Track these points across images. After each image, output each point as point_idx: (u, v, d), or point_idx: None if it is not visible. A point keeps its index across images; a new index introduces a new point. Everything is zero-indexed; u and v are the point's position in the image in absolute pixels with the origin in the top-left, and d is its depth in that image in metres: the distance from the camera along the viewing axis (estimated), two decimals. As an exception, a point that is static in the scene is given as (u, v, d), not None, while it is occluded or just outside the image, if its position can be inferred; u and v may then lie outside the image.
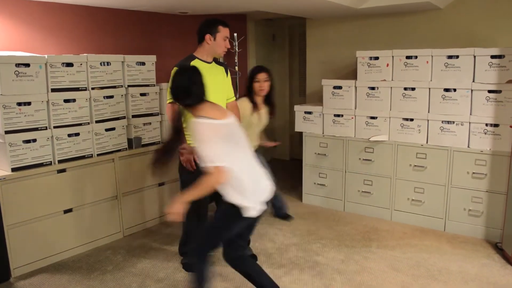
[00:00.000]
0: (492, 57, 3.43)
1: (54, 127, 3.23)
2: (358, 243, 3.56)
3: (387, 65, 3.92)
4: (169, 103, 2.90)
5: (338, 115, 4.23)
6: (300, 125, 4.48)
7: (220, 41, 2.88)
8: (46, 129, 3.19)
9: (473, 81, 3.55)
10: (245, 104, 3.50)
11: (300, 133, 4.55)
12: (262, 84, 3.47)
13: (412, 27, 4.45)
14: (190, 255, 2.38)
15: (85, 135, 3.42)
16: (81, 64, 3.36)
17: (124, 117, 3.69)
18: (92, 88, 3.45)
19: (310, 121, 4.40)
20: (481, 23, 4.06)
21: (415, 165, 3.83)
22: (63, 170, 3.28)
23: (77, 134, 3.36)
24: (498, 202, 3.47)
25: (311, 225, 3.96)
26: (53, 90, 3.20)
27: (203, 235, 2.40)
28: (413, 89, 3.80)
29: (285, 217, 4.07)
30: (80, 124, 3.39)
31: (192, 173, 2.77)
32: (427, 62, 3.73)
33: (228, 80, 3.11)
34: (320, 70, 5.17)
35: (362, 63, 4.06)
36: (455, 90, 3.61)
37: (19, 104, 3.02)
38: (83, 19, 3.93)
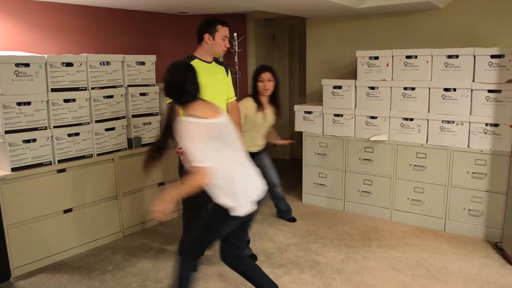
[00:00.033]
0: (492, 56, 3.43)
1: (54, 127, 3.23)
2: (358, 243, 3.56)
3: (387, 64, 3.92)
4: (169, 103, 2.89)
5: (338, 115, 4.23)
6: (300, 125, 4.48)
7: (219, 40, 2.88)
8: (46, 129, 3.19)
9: (473, 80, 3.54)
10: (248, 104, 3.50)
11: (300, 133, 4.55)
12: (265, 84, 3.47)
13: (412, 27, 4.45)
14: (178, 255, 2.35)
15: (85, 135, 3.42)
16: (81, 64, 3.36)
17: (124, 117, 3.70)
18: (92, 88, 3.45)
19: (310, 121, 4.40)
20: (481, 23, 4.06)
21: (415, 165, 3.83)
22: (63, 170, 3.28)
23: (77, 134, 3.36)
24: (498, 201, 3.47)
25: (311, 225, 3.96)
26: (53, 90, 3.20)
27: (191, 236, 2.37)
28: (413, 88, 3.80)
29: (290, 220, 4.06)
30: (80, 124, 3.39)
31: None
32: (427, 61, 3.73)
33: (228, 80, 3.11)
34: (320, 69, 5.17)
35: (362, 62, 4.06)
36: (455, 89, 3.61)
37: (19, 104, 3.02)
38: (83, 19, 3.93)
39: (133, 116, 3.74)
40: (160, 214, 2.15)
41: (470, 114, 3.57)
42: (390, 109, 3.95)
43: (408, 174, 3.88)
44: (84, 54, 3.45)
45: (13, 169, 3.02)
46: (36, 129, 3.13)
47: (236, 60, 4.99)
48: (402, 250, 3.41)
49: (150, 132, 3.90)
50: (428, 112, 3.76)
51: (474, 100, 3.55)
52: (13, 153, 3.02)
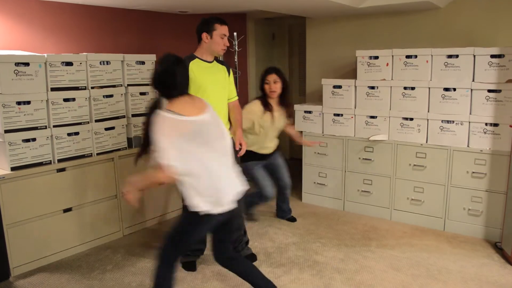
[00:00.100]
0: (492, 56, 3.43)
1: (54, 126, 3.23)
2: (357, 243, 3.56)
3: (387, 64, 3.92)
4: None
5: (337, 115, 4.23)
6: (299, 125, 4.47)
7: (217, 39, 2.87)
8: (46, 128, 3.19)
9: (473, 80, 3.54)
10: (255, 107, 3.50)
11: (300, 132, 4.55)
12: (271, 86, 3.47)
13: (412, 26, 4.45)
14: (156, 260, 2.32)
15: (85, 134, 3.42)
16: (80, 63, 3.36)
17: (123, 116, 3.69)
18: (92, 87, 3.45)
19: (310, 120, 4.40)
20: (481, 23, 4.06)
21: (415, 165, 3.83)
22: (62, 169, 3.28)
23: (76, 133, 3.36)
24: (497, 201, 3.47)
25: (311, 224, 3.96)
26: (53, 89, 3.20)
27: (166, 240, 2.33)
28: (412, 88, 3.80)
29: (289, 219, 4.06)
30: (79, 123, 3.38)
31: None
32: (427, 61, 3.73)
33: (230, 79, 3.10)
34: (319, 69, 5.17)
35: (362, 62, 4.06)
36: (454, 89, 3.61)
37: (18, 103, 3.02)
38: (83, 18, 3.93)
39: (133, 115, 3.74)
40: (129, 200, 2.17)
41: (470, 113, 3.58)
42: (390, 109, 3.95)
43: (408, 174, 3.88)
44: (84, 53, 3.45)
45: (12, 169, 3.02)
46: (35, 128, 3.13)
47: (236, 60, 4.99)
48: (401, 250, 3.41)
49: (150, 132, 3.89)
50: (428, 111, 3.76)
51: (474, 100, 3.55)
52: (13, 152, 3.02)
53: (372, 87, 4.01)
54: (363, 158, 4.11)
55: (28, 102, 3.07)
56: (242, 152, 3.09)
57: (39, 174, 3.15)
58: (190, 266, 3.14)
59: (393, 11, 4.47)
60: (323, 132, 4.32)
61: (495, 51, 3.42)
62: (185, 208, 2.23)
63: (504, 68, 3.40)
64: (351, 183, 4.22)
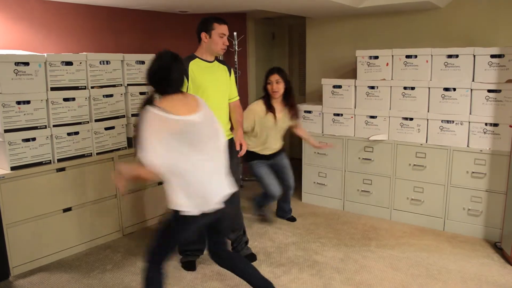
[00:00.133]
0: (492, 56, 3.43)
1: (54, 125, 3.23)
2: (357, 242, 3.56)
3: (387, 64, 3.92)
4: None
5: (337, 114, 4.23)
6: (299, 124, 4.47)
7: (216, 38, 2.86)
8: (46, 127, 3.19)
9: (473, 80, 3.54)
10: (257, 107, 3.50)
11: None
12: (273, 86, 3.45)
13: (412, 26, 4.45)
14: (144, 262, 2.31)
15: (85, 134, 3.42)
16: (80, 63, 3.36)
17: (123, 116, 3.69)
18: (92, 87, 3.44)
19: (309, 120, 4.40)
20: (481, 23, 4.06)
21: (415, 165, 3.83)
22: (62, 169, 3.28)
23: (76, 133, 3.36)
24: (497, 201, 3.47)
25: (311, 224, 3.96)
26: (53, 88, 3.20)
27: (153, 242, 2.31)
28: (412, 88, 3.80)
29: (289, 219, 4.05)
30: (79, 123, 3.38)
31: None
32: (427, 61, 3.73)
33: (231, 79, 3.10)
34: (319, 69, 5.17)
35: (361, 62, 4.06)
36: (454, 89, 3.61)
37: (18, 102, 3.02)
38: (83, 17, 3.93)
39: (133, 115, 3.74)
40: (117, 185, 2.17)
41: (470, 113, 3.58)
42: (390, 109, 3.95)
43: (408, 174, 3.88)
44: (84, 53, 3.45)
45: (12, 168, 3.02)
46: (35, 128, 3.13)
47: (236, 59, 4.99)
48: (401, 250, 3.41)
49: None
50: (428, 111, 3.76)
51: (474, 100, 3.55)
52: (13, 152, 3.02)
53: (372, 87, 4.01)
54: (363, 158, 4.11)
55: (28, 102, 3.07)
56: (242, 153, 3.08)
57: (39, 174, 3.15)
58: (190, 266, 3.14)
59: (393, 11, 4.47)
60: (323, 132, 4.32)
61: (495, 51, 3.42)
62: (168, 208, 2.22)
63: (504, 68, 3.40)
64: (351, 183, 4.22)
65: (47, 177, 3.19)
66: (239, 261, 2.49)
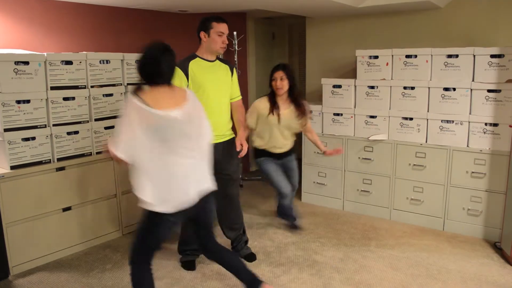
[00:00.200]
0: (492, 56, 3.43)
1: (53, 125, 3.23)
2: (357, 242, 3.56)
3: (387, 64, 3.92)
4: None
5: (337, 114, 4.23)
6: (299, 124, 4.47)
7: (214, 37, 2.86)
8: (45, 127, 3.18)
9: (473, 80, 3.54)
10: (260, 103, 3.46)
11: (300, 132, 4.54)
12: (277, 83, 3.38)
13: (412, 26, 4.45)
14: (129, 265, 2.30)
15: (84, 133, 3.42)
16: (80, 62, 3.35)
17: (123, 115, 3.69)
18: (92, 86, 3.44)
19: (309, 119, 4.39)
20: (481, 23, 4.06)
21: (414, 164, 3.83)
22: (62, 168, 3.28)
23: (76, 132, 3.36)
24: (497, 201, 3.47)
25: (310, 224, 3.96)
26: (52, 88, 3.20)
27: (133, 243, 2.29)
28: (412, 88, 3.80)
29: (292, 227, 3.99)
30: (79, 122, 3.38)
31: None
32: (427, 61, 3.73)
33: (233, 79, 3.09)
34: (319, 68, 5.17)
35: (361, 62, 4.06)
36: (454, 89, 3.61)
37: (18, 102, 3.01)
38: (83, 17, 3.92)
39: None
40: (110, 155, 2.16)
41: (470, 113, 3.58)
42: (390, 109, 3.95)
43: (408, 174, 3.88)
44: (84, 52, 3.44)
45: (12, 167, 3.02)
46: (35, 127, 3.13)
47: (236, 59, 4.99)
48: (401, 250, 3.41)
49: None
50: (428, 111, 3.76)
51: (474, 100, 3.55)
52: (12, 151, 3.02)
53: (372, 87, 4.01)
54: (363, 158, 4.11)
55: (28, 101, 3.07)
56: (243, 153, 3.07)
57: (39, 173, 3.14)
58: (190, 265, 3.14)
59: (393, 11, 4.47)
60: (322, 132, 4.32)
61: (495, 51, 3.42)
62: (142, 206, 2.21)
63: (504, 68, 3.40)
64: (351, 182, 4.22)
65: (46, 177, 3.19)
66: (227, 254, 2.48)
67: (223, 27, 2.87)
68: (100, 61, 3.48)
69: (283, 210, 3.75)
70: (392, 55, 3.88)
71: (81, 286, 2.91)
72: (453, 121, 3.63)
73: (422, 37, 4.38)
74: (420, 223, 3.88)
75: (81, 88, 3.37)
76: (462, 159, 3.60)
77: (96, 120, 3.48)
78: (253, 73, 5.76)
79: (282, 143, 3.53)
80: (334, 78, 4.40)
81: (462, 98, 3.58)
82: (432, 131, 3.75)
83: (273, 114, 3.40)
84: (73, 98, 3.33)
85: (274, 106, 3.42)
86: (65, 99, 3.28)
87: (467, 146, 3.60)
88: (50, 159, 3.22)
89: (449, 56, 3.62)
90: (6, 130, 2.97)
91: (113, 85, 3.59)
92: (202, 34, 2.88)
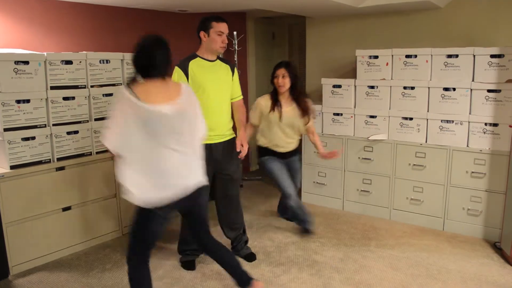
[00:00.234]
0: (492, 56, 3.43)
1: (53, 124, 3.22)
2: (357, 242, 3.56)
3: (387, 64, 3.92)
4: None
5: (337, 114, 4.23)
6: (299, 124, 4.47)
7: (214, 36, 2.86)
8: (45, 126, 3.18)
9: (473, 80, 3.54)
10: (262, 100, 3.44)
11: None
12: (279, 80, 3.35)
13: (412, 26, 4.45)
14: (126, 264, 2.31)
15: (84, 133, 3.41)
16: (80, 62, 3.35)
17: (123, 115, 3.69)
18: (91, 86, 3.44)
19: (309, 119, 4.39)
20: (481, 23, 4.06)
21: (414, 164, 3.83)
22: (62, 168, 3.28)
23: (76, 132, 3.36)
24: (497, 201, 3.47)
25: (310, 223, 3.96)
26: (52, 87, 3.20)
27: (129, 241, 2.30)
28: (412, 88, 3.80)
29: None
30: (79, 122, 3.38)
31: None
32: (427, 61, 3.73)
33: (234, 78, 3.08)
34: (319, 68, 5.16)
35: (361, 62, 4.06)
36: (454, 89, 3.61)
37: (18, 101, 3.01)
38: (83, 16, 3.92)
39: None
40: None
41: (470, 113, 3.58)
42: (390, 108, 3.95)
43: (407, 174, 3.88)
44: (84, 52, 3.44)
45: (12, 167, 3.02)
46: (35, 126, 3.12)
47: (235, 59, 4.99)
48: (401, 250, 3.41)
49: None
50: (428, 111, 3.76)
51: (474, 100, 3.55)
52: (12, 150, 3.01)
53: (372, 87, 4.01)
54: (363, 158, 4.11)
55: (28, 101, 3.06)
56: (243, 154, 3.07)
57: (39, 173, 3.14)
58: (189, 265, 3.14)
59: (393, 11, 4.47)
60: (322, 132, 4.32)
61: (495, 51, 3.42)
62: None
63: (503, 68, 3.40)
64: (351, 182, 4.22)
65: (46, 176, 3.19)
66: (222, 250, 2.48)
67: (222, 27, 2.86)
68: (100, 61, 3.48)
69: (291, 212, 3.66)
70: (392, 55, 3.88)
71: (81, 286, 2.91)
72: (453, 121, 3.63)
73: (422, 37, 4.38)
74: (420, 223, 3.88)
75: (81, 87, 3.37)
76: (462, 159, 3.60)
77: (96, 119, 3.48)
78: (253, 73, 5.76)
79: (285, 142, 3.50)
80: (334, 78, 4.39)
81: (462, 98, 3.58)
82: (432, 131, 3.75)
83: (274, 111, 3.38)
84: (73, 98, 3.33)
85: (276, 103, 3.40)
86: (65, 98, 3.28)
87: (467, 146, 3.60)
88: (50, 159, 3.22)
89: (449, 56, 3.62)
90: (6, 129, 2.97)
91: (113, 84, 3.59)
92: (201, 33, 2.88)
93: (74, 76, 3.32)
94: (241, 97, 3.17)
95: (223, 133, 2.99)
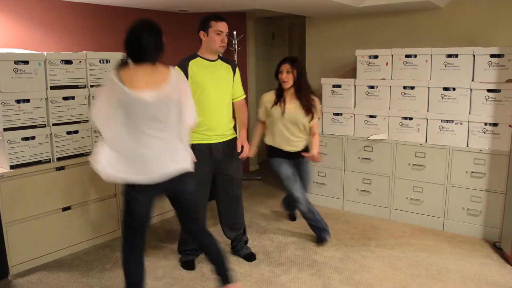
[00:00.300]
0: (492, 56, 3.43)
1: (53, 124, 3.23)
2: (356, 242, 3.56)
3: (387, 63, 3.92)
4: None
5: (337, 114, 4.23)
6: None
7: (213, 36, 2.85)
8: (45, 126, 3.18)
9: (473, 80, 3.55)
10: (267, 96, 3.40)
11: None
12: (283, 76, 3.28)
13: (412, 26, 4.45)
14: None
15: (84, 133, 3.41)
16: (80, 62, 3.35)
17: (123, 115, 3.69)
18: (91, 86, 3.44)
19: (309, 119, 4.39)
20: (481, 22, 4.06)
21: (414, 164, 3.83)
22: (62, 168, 3.28)
23: (76, 132, 3.36)
24: (496, 201, 3.47)
25: (310, 223, 3.96)
26: (52, 87, 3.20)
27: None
28: (412, 88, 3.80)
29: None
30: (79, 122, 3.38)
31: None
32: (427, 61, 3.73)
33: (235, 78, 3.07)
34: (319, 68, 5.16)
35: (361, 61, 4.06)
36: (454, 89, 3.61)
37: (18, 101, 3.01)
38: (83, 16, 3.92)
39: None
40: None
41: (469, 113, 3.58)
42: (390, 108, 3.95)
43: (407, 173, 3.88)
44: (84, 51, 3.44)
45: (11, 167, 3.02)
46: (35, 126, 3.13)
47: (235, 59, 4.99)
48: (401, 250, 3.41)
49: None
50: (428, 111, 3.76)
51: (474, 100, 3.55)
52: (12, 150, 3.01)
53: (372, 87, 4.01)
54: (363, 158, 4.11)
55: (28, 101, 3.06)
56: (243, 155, 3.06)
57: (38, 173, 3.14)
58: (189, 265, 3.14)
59: (393, 11, 4.47)
60: (322, 132, 4.32)
61: (494, 50, 3.42)
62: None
63: (503, 68, 3.40)
64: (350, 182, 4.22)
65: (46, 176, 3.19)
66: (209, 243, 2.48)
67: (221, 26, 2.86)
68: (99, 61, 3.48)
69: (304, 218, 3.54)
70: (392, 55, 3.88)
71: (81, 286, 2.91)
72: (452, 121, 3.63)
73: (422, 37, 4.38)
74: (420, 223, 3.88)
75: (81, 87, 3.37)
76: (462, 159, 3.60)
77: (95, 119, 3.48)
78: (253, 73, 5.76)
79: (289, 140, 3.37)
80: (334, 78, 4.39)
81: (462, 98, 3.58)
82: (431, 131, 3.75)
83: (276, 107, 3.31)
84: (73, 98, 3.33)
85: (279, 99, 3.33)
86: (65, 98, 3.28)
87: (467, 146, 3.60)
88: (49, 159, 3.22)
89: (449, 56, 3.62)
90: (5, 129, 2.97)
91: (113, 84, 3.58)
92: (201, 33, 2.88)
93: (74, 76, 3.32)
94: (243, 96, 3.15)
95: (223, 133, 2.99)
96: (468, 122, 3.57)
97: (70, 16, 3.84)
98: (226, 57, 3.19)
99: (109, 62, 3.54)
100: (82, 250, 3.43)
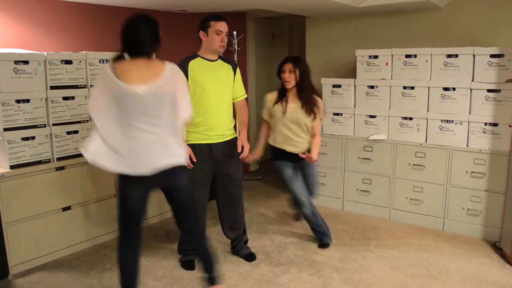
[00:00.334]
0: (492, 56, 3.43)
1: (53, 124, 3.23)
2: (356, 242, 3.56)
3: (387, 63, 3.92)
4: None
5: (337, 114, 4.23)
6: (299, 124, 4.47)
7: (212, 35, 2.85)
8: (45, 126, 3.18)
9: (473, 80, 3.54)
10: (270, 95, 3.38)
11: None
12: (285, 75, 3.23)
13: (412, 26, 4.45)
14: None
15: (84, 133, 3.41)
16: (80, 62, 3.35)
17: (123, 115, 3.68)
18: (91, 86, 3.44)
19: (309, 119, 4.39)
20: (481, 22, 4.06)
21: (414, 164, 3.83)
22: (61, 168, 3.28)
23: (76, 132, 3.36)
24: (496, 201, 3.47)
25: (310, 223, 3.96)
26: (52, 87, 3.20)
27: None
28: (412, 88, 3.80)
29: (322, 244, 3.62)
30: (79, 122, 3.38)
31: (190, 170, 2.77)
32: (427, 61, 3.73)
33: (236, 78, 3.07)
34: (319, 68, 5.16)
35: (361, 61, 4.06)
36: (454, 89, 3.61)
37: (18, 101, 3.01)
38: (83, 16, 3.92)
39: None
40: None
41: (469, 113, 3.58)
42: (390, 108, 3.95)
43: (407, 173, 3.88)
44: (83, 51, 3.44)
45: (11, 167, 3.02)
46: (35, 126, 3.13)
47: (235, 58, 4.99)
48: (401, 250, 3.41)
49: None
50: (428, 111, 3.76)
51: (474, 100, 3.55)
52: (12, 150, 3.02)
53: (372, 87, 4.01)
54: (363, 158, 4.11)
55: (28, 101, 3.06)
56: (244, 155, 3.06)
57: (38, 173, 3.14)
58: (189, 265, 3.14)
59: (393, 11, 4.47)
60: (322, 132, 4.32)
61: (494, 50, 3.42)
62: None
63: (503, 68, 3.40)
64: (350, 182, 4.22)
65: (46, 176, 3.19)
66: (202, 242, 2.49)
67: (221, 26, 2.85)
68: (99, 61, 3.48)
69: (306, 221, 3.52)
70: (392, 55, 3.88)
71: (81, 286, 2.91)
72: (452, 121, 3.63)
73: (422, 37, 4.38)
74: (420, 223, 3.88)
75: (80, 87, 3.37)
76: (462, 159, 3.60)
77: (95, 119, 3.48)
78: (253, 73, 5.76)
79: (292, 140, 3.30)
80: (334, 78, 4.40)
81: (462, 98, 3.58)
82: (431, 131, 3.75)
83: (278, 106, 3.27)
84: (73, 98, 3.33)
85: (281, 98, 3.29)
86: (65, 98, 3.28)
87: (467, 146, 3.60)
88: (49, 159, 3.22)
89: (449, 56, 3.62)
90: (5, 129, 2.97)
91: (113, 84, 3.58)
92: (201, 33, 2.88)
93: (74, 76, 3.32)
94: (244, 96, 3.14)
95: (223, 133, 2.98)
96: (468, 122, 3.57)
97: (70, 16, 3.84)
98: (226, 57, 3.19)
99: (109, 62, 3.53)
100: (82, 250, 3.43)
